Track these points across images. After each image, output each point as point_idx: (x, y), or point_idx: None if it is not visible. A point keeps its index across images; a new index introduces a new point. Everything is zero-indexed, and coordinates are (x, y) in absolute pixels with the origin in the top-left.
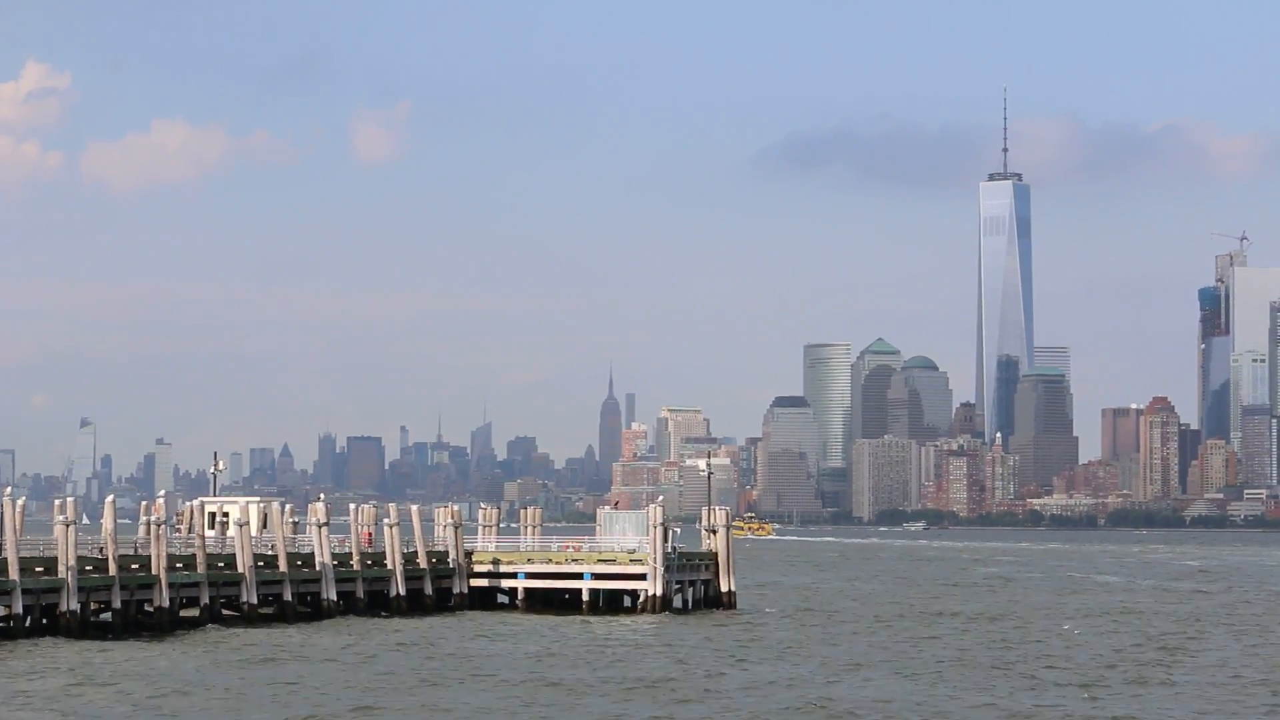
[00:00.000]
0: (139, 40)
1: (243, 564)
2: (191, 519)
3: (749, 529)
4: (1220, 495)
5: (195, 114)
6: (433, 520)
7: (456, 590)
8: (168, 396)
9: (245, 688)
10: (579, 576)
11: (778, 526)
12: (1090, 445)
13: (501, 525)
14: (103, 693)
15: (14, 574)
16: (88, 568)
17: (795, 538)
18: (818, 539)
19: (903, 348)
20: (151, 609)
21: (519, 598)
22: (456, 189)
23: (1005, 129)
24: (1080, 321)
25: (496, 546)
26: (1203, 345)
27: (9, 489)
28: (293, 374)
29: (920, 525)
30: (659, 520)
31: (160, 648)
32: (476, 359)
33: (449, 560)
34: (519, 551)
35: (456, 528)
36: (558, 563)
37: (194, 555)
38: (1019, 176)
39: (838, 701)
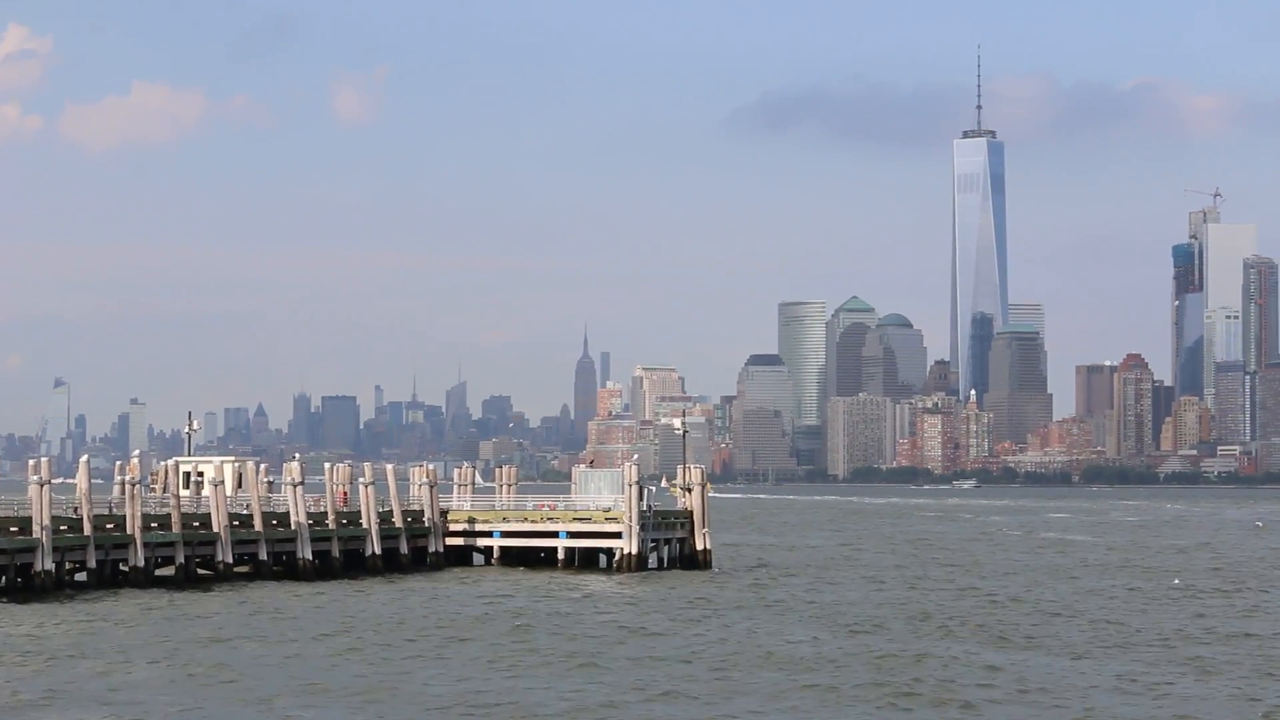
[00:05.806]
0: (120, 3)
1: (218, 523)
2: (166, 479)
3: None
4: (1194, 452)
5: (176, 77)
6: (408, 479)
7: (432, 549)
8: (142, 356)
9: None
10: (554, 535)
11: (717, 486)
12: (1064, 402)
13: (477, 484)
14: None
15: None
16: (62, 527)
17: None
18: (810, 498)
19: (877, 305)
20: (126, 568)
21: (494, 556)
22: (433, 151)
23: (979, 87)
24: (1054, 278)
25: (472, 505)
26: (1176, 302)
27: None
28: (267, 334)
29: (972, 483)
30: (634, 479)
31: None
32: (452, 319)
33: (424, 519)
34: (494, 510)
35: (432, 487)
36: (533, 521)
37: (169, 515)
38: (993, 134)
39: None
